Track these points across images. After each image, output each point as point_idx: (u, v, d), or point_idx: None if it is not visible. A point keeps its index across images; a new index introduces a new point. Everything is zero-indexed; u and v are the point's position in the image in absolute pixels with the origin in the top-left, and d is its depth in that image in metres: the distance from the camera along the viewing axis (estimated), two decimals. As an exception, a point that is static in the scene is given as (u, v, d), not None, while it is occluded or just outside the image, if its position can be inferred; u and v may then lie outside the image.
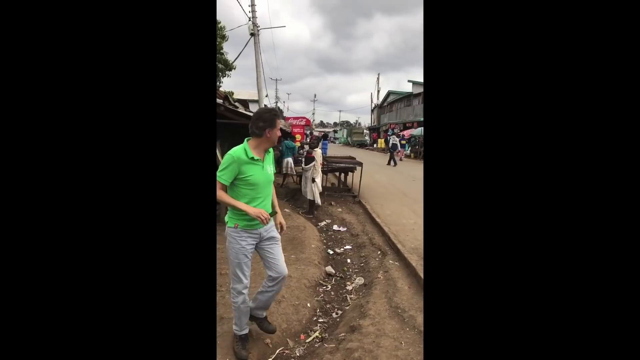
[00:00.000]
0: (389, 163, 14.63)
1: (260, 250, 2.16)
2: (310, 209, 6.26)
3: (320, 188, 6.12)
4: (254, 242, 2.10)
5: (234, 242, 2.05)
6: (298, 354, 2.40)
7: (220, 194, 1.97)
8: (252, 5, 12.71)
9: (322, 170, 7.38)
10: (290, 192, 7.98)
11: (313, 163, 6.07)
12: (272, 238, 2.17)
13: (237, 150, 1.98)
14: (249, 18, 12.74)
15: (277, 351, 2.39)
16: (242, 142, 2.03)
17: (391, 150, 15.45)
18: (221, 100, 5.69)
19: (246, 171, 1.97)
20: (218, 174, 1.95)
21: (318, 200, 6.02)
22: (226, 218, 2.09)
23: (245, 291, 2.14)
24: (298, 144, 10.63)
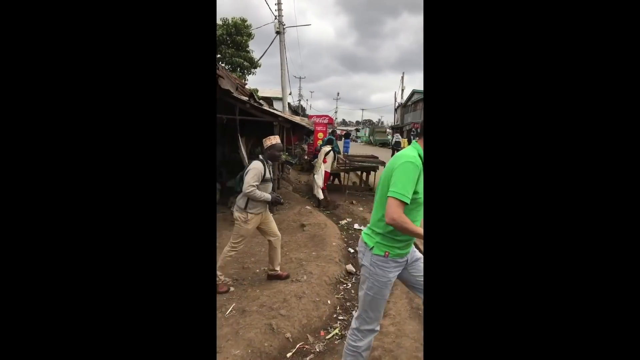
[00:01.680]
0: None
1: (405, 275, 1.78)
2: (318, 203, 6.49)
3: (320, 183, 6.35)
4: (398, 272, 1.72)
5: (381, 273, 1.63)
6: (318, 350, 2.42)
7: (404, 219, 1.46)
8: (279, 3, 12.83)
9: (344, 169, 7.40)
10: (311, 190, 8.02)
11: (316, 160, 6.37)
12: (417, 259, 1.81)
13: (415, 157, 1.50)
14: (275, 16, 12.87)
15: (297, 346, 2.42)
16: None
17: (394, 147, 16.22)
18: (247, 98, 5.79)
19: (419, 184, 1.49)
20: (400, 191, 1.46)
21: (318, 195, 6.26)
22: (370, 242, 1.67)
23: (374, 335, 1.78)
24: (319, 142, 10.65)
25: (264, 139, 3.13)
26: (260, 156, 3.05)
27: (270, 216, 3.20)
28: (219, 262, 3.07)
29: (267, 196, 2.96)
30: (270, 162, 3.06)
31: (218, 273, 3.08)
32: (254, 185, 2.87)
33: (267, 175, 2.98)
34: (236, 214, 3.02)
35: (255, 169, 2.92)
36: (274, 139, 3.06)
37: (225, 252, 3.06)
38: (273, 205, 3.06)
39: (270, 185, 3.07)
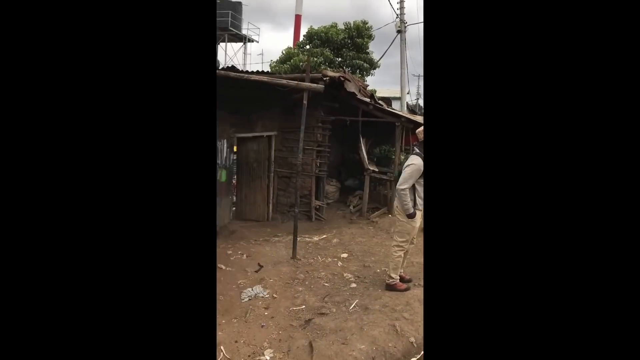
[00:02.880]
0: None
1: None
2: None
3: None
4: None
5: None
6: (444, 361, 2.32)
7: None
8: (401, 1, 12.64)
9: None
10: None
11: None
12: None
13: None
14: (397, 15, 12.72)
15: (422, 352, 2.37)
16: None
17: None
18: (368, 99, 5.89)
19: None
20: None
21: None
22: None
23: None
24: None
25: (417, 131, 2.93)
26: (416, 149, 2.84)
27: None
28: (391, 265, 3.04)
29: (410, 210, 2.78)
30: None
31: (392, 275, 3.04)
32: (405, 188, 2.74)
33: None
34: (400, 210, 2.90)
35: (414, 165, 2.71)
36: None
37: (392, 255, 3.02)
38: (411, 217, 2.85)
39: None
